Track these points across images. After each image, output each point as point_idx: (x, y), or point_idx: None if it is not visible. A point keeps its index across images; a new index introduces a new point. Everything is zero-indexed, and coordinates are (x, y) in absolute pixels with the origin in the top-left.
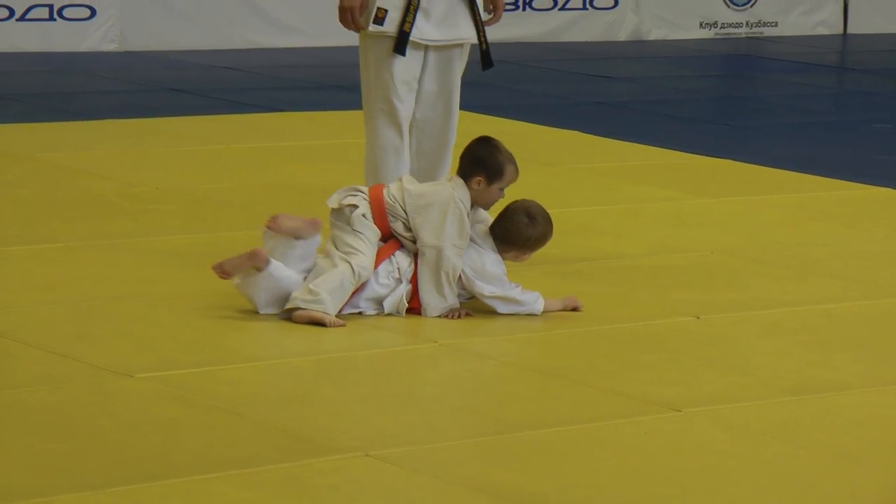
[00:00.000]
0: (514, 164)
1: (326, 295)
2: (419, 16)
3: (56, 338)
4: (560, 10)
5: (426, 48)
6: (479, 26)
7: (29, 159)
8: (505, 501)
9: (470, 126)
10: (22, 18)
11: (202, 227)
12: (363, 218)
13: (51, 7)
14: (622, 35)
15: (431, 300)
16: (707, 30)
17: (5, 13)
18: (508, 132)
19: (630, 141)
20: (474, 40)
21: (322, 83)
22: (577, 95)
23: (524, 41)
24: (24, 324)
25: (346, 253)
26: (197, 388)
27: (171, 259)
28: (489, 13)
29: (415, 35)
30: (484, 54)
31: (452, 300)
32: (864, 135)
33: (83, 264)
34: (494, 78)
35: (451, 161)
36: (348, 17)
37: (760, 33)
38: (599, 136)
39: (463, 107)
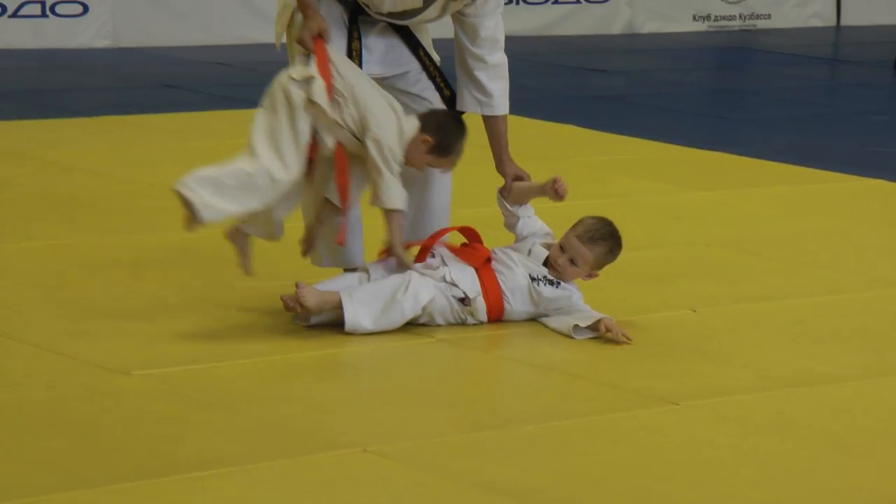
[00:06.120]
0: (458, 155)
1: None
2: (363, 52)
3: (53, 336)
4: (553, 3)
5: None
6: (435, 70)
7: (21, 156)
8: (503, 496)
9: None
10: (14, 15)
11: None
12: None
13: (43, 3)
14: (616, 28)
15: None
16: (700, 22)
17: None
18: None
19: (624, 134)
20: (418, 70)
21: None
22: (570, 89)
23: (518, 35)
24: (21, 322)
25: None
26: (194, 384)
27: (167, 256)
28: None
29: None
30: (449, 101)
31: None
32: (859, 126)
33: (78, 262)
34: None
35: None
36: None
37: (754, 26)
38: (594, 129)
39: None
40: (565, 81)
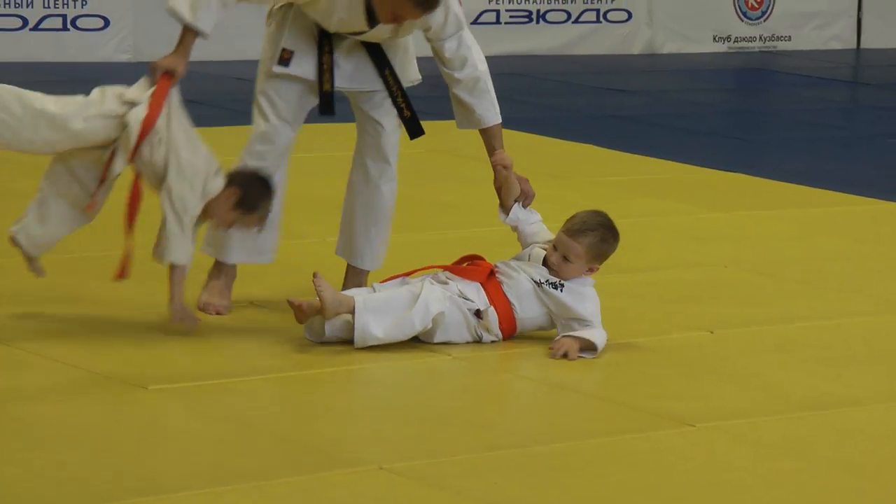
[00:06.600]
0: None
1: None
2: (334, 67)
3: (69, 349)
4: (573, 23)
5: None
6: (398, 91)
7: (40, 169)
8: None
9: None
10: (35, 28)
11: None
12: None
13: (64, 17)
14: (636, 48)
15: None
16: (720, 43)
17: (19, 23)
18: (521, 145)
19: (643, 154)
20: (382, 89)
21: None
22: (590, 109)
23: (538, 54)
24: (37, 335)
25: None
26: (210, 399)
27: None
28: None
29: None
30: (409, 122)
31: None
32: (877, 149)
33: (96, 275)
34: (508, 91)
35: None
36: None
37: (774, 47)
38: (613, 149)
39: None
40: (585, 101)
